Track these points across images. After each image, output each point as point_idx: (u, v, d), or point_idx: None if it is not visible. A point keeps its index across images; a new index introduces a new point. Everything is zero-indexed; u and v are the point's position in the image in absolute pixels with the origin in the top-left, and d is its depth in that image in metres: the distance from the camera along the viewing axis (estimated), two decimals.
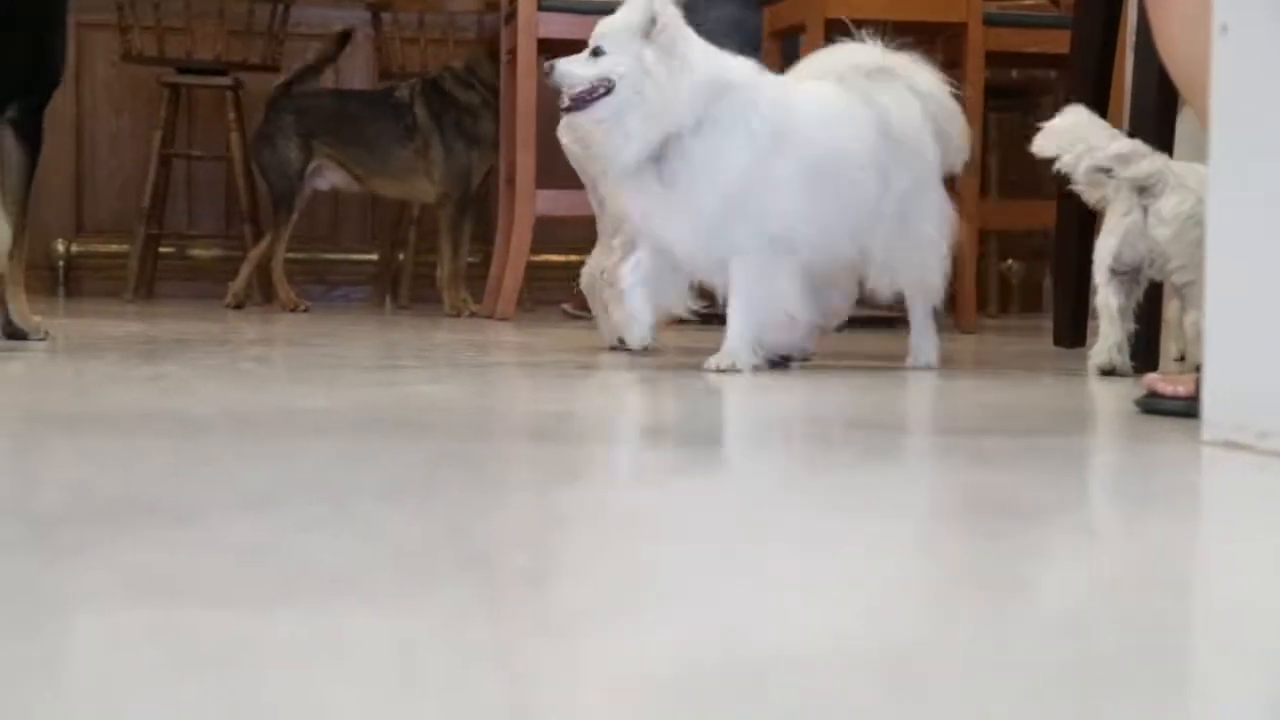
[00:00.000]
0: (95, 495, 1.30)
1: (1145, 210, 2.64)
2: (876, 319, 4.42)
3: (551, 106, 5.39)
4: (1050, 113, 2.93)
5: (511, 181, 4.46)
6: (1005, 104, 5.16)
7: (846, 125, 2.73)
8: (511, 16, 4.38)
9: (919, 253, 2.80)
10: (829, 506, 1.36)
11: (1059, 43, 3.94)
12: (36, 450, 1.61)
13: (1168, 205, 2.62)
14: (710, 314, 2.91)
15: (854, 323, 4.06)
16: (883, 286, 2.82)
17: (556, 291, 5.35)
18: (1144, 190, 2.64)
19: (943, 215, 2.83)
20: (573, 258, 5.99)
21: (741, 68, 2.73)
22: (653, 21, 2.60)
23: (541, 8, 4.32)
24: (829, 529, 1.23)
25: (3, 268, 2.93)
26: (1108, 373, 2.69)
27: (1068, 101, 3.07)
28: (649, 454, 1.73)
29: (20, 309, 2.98)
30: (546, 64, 2.70)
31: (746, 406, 2.30)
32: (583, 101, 2.61)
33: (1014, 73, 4.97)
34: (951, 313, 4.44)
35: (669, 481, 1.50)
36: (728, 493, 1.45)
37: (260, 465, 1.52)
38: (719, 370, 2.59)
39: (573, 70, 2.62)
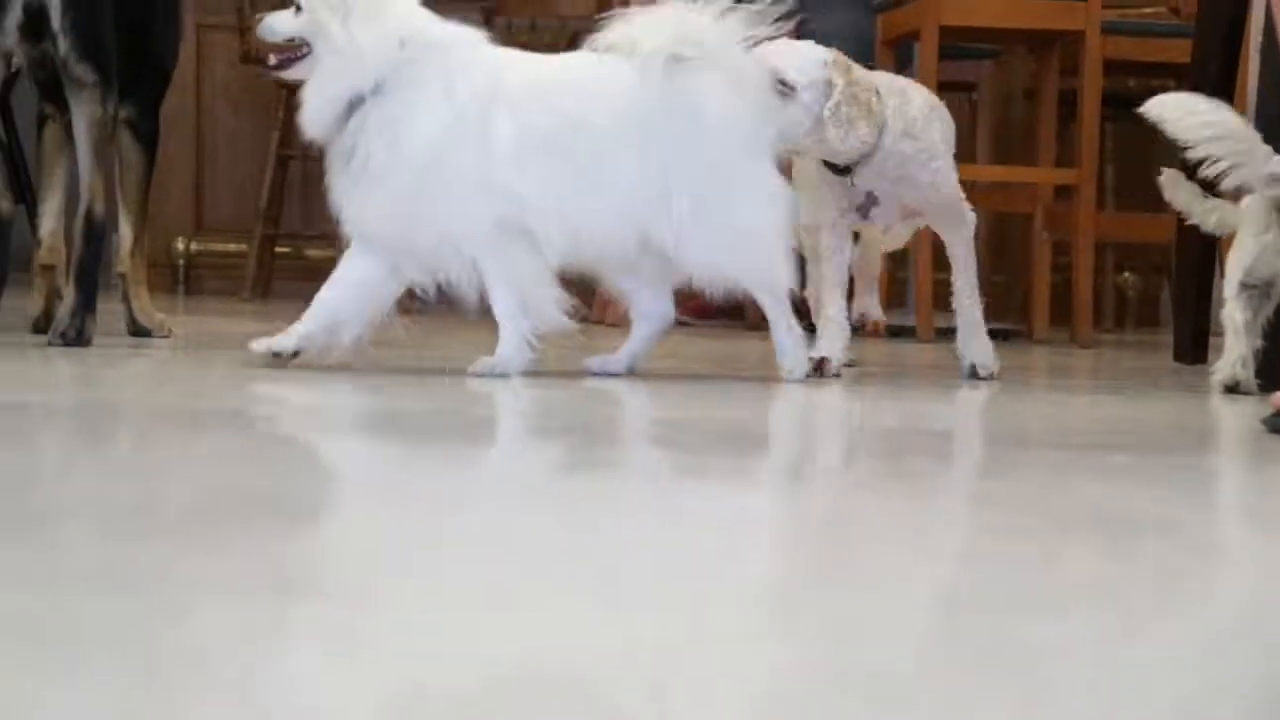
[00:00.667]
0: (226, 490, 1.32)
1: None
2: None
3: None
4: None
5: None
6: (1123, 114, 5.09)
7: (585, 92, 2.37)
8: None
9: (738, 242, 2.40)
10: (955, 519, 1.35)
11: (1179, 52, 3.88)
12: (166, 446, 1.64)
13: None
14: None
15: (897, 332, 4.03)
16: (705, 281, 2.43)
17: None
18: None
19: (769, 199, 2.43)
20: None
21: (451, 27, 2.38)
22: None
23: None
24: (953, 542, 1.22)
25: (125, 266, 2.98)
26: (1231, 389, 2.64)
27: None
28: (753, 460, 1.72)
29: (143, 307, 3.03)
30: (255, 17, 2.46)
31: (838, 415, 2.29)
32: (287, 61, 2.37)
33: (1131, 82, 4.90)
34: (1067, 326, 4.39)
35: (820, 487, 1.49)
36: (826, 503, 1.44)
37: (376, 464, 1.54)
38: (481, 376, 2.33)
39: (274, 25, 2.36)
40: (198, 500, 1.28)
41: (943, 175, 2.69)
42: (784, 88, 2.47)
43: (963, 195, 2.78)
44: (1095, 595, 1.05)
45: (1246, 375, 2.66)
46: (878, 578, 1.07)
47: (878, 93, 2.56)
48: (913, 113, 2.62)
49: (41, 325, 2.90)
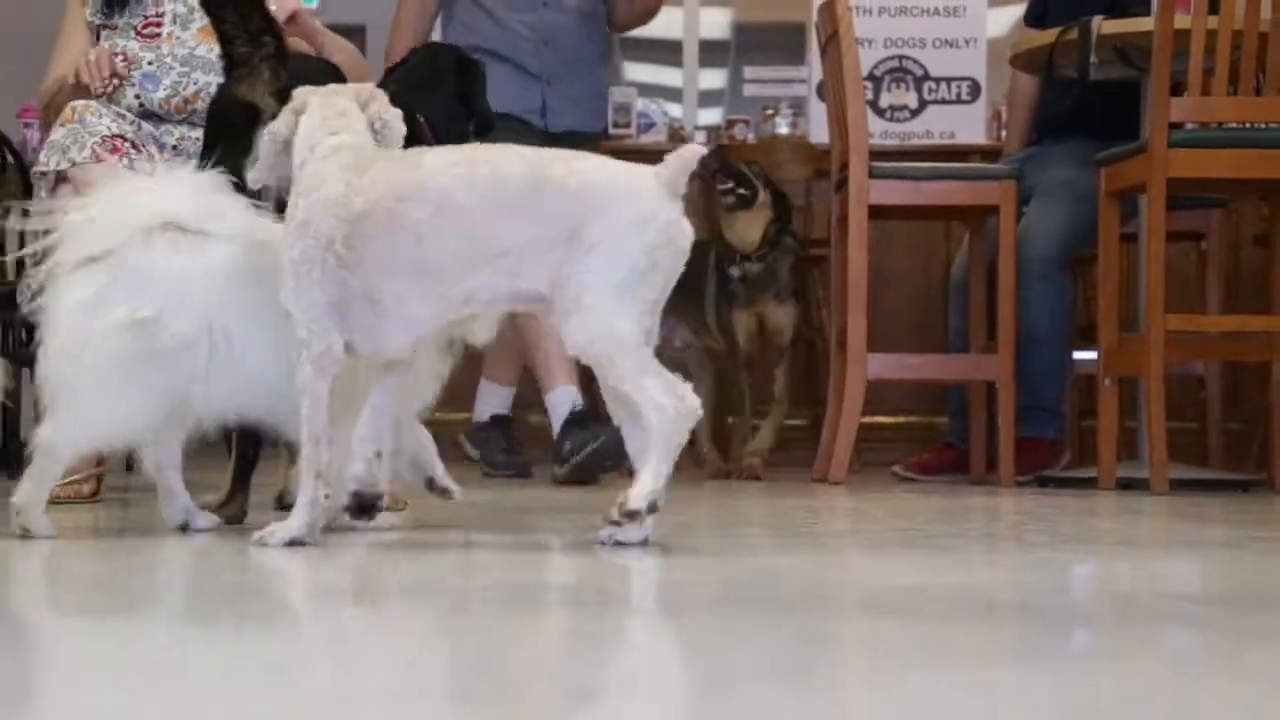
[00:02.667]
0: (485, 673, 1.34)
1: None
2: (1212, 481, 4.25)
3: (883, 270, 5.41)
4: None
5: (843, 346, 4.48)
6: None
7: None
8: (843, 183, 4.43)
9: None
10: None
11: None
12: (422, 623, 1.67)
13: None
14: None
15: (1128, 484, 3.92)
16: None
17: (886, 453, 5.33)
18: None
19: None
20: (900, 419, 5.98)
21: None
22: None
23: (873, 175, 4.36)
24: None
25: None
26: None
27: None
28: (1006, 631, 1.68)
29: None
30: None
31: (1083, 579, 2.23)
32: None
33: None
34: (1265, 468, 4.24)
35: (1065, 663, 1.46)
36: (1145, 678, 1.40)
37: (606, 646, 1.54)
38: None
39: None
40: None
41: None
42: None
43: None
44: None
45: None
46: None
47: None
48: None
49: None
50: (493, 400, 4.97)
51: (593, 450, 4.23)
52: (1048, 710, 1.22)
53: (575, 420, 4.37)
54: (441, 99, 3.40)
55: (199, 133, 3.56)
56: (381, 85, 3.41)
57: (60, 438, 2.45)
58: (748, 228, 4.83)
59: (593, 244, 2.29)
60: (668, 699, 1.24)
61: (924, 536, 2.79)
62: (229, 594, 1.91)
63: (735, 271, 4.84)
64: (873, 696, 1.28)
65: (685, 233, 2.35)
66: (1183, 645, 1.60)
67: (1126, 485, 4.07)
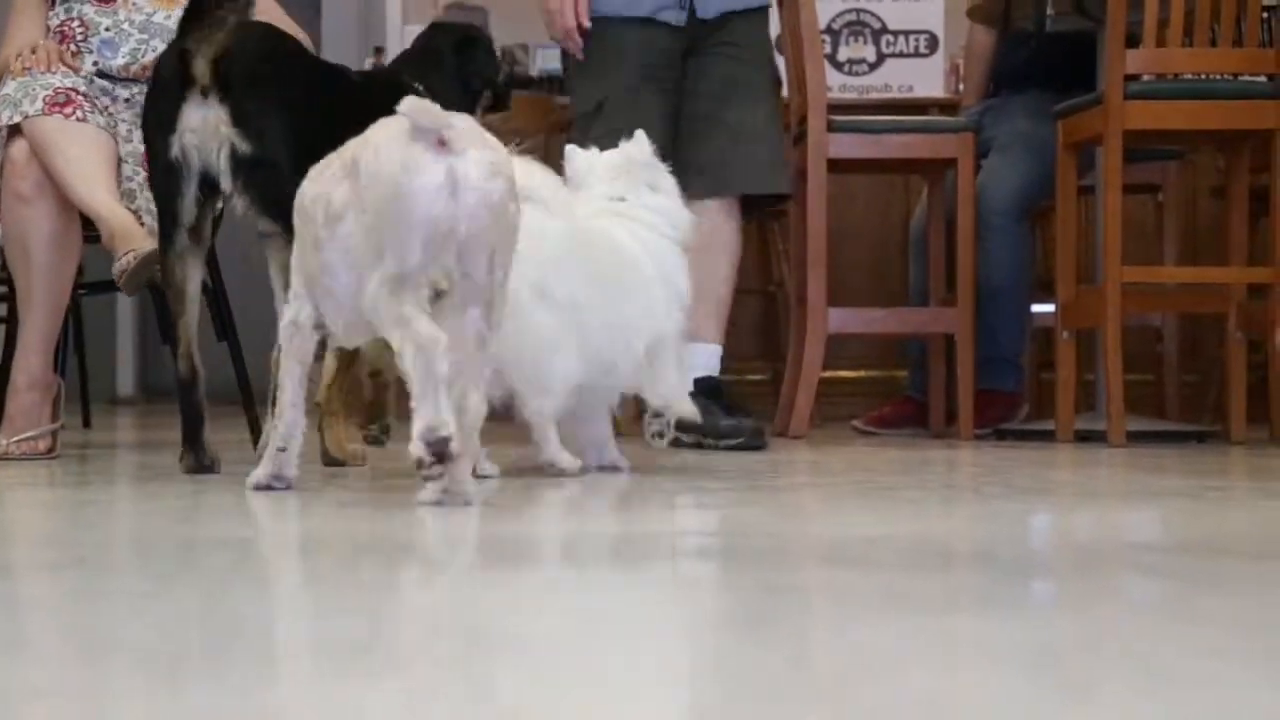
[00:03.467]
0: (444, 627, 1.34)
1: None
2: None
3: (842, 224, 5.42)
4: None
5: (802, 300, 4.48)
6: None
7: None
8: (801, 137, 4.43)
9: None
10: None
11: None
12: (387, 581, 1.67)
13: None
14: None
15: (1086, 436, 3.95)
16: None
17: (846, 407, 5.34)
18: None
19: None
20: (860, 373, 6.00)
21: None
22: None
23: (831, 129, 4.35)
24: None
25: (323, 397, 3.03)
26: None
27: None
28: (974, 579, 1.69)
29: (336, 438, 3.06)
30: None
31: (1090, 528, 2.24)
32: None
33: None
34: (1265, 426, 4.27)
35: (1024, 611, 1.47)
36: (1098, 625, 1.41)
37: (595, 593, 1.54)
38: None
39: None
40: (419, 639, 1.29)
41: None
42: None
43: None
44: None
45: None
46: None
47: None
48: None
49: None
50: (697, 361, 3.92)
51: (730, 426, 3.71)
52: (1005, 656, 1.23)
53: (706, 388, 3.76)
54: (443, 79, 3.43)
55: None
56: (388, 70, 3.44)
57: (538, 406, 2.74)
58: None
59: None
60: (627, 651, 1.24)
61: (882, 489, 2.80)
62: (211, 546, 1.91)
63: None
64: (832, 645, 1.29)
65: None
66: (1140, 593, 1.61)
67: (1084, 437, 4.09)
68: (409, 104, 2.16)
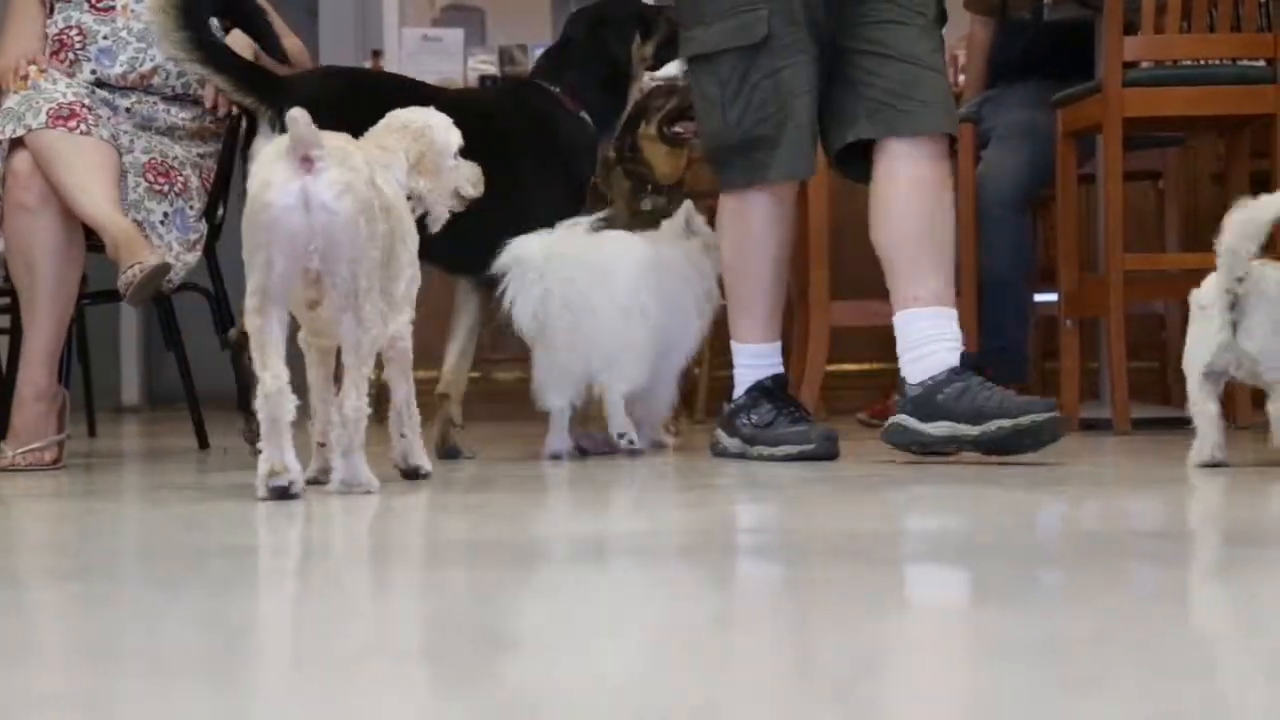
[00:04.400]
0: (457, 628, 1.34)
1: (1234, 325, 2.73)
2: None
3: (840, 221, 5.43)
4: None
5: (805, 295, 4.48)
6: None
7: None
8: None
9: None
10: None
11: None
12: (391, 583, 1.67)
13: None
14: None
15: (1092, 424, 3.95)
16: None
17: (852, 400, 5.34)
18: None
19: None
20: (865, 366, 5.99)
21: None
22: None
23: None
24: None
25: (445, 388, 3.43)
26: None
27: None
28: (973, 572, 1.69)
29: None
30: None
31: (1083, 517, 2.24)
32: None
33: None
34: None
35: (1032, 601, 1.47)
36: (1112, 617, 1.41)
37: (599, 594, 1.54)
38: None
39: None
40: (436, 639, 1.29)
41: None
42: None
43: None
44: None
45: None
46: None
47: None
48: None
49: (439, 451, 3.32)
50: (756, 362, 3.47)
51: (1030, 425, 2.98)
52: (1016, 648, 1.23)
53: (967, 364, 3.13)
54: (580, 69, 3.58)
55: (154, 98, 3.53)
56: (534, 76, 3.62)
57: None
58: (668, 161, 4.83)
59: None
60: (631, 646, 1.24)
61: (889, 482, 2.80)
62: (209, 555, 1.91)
63: (646, 204, 4.79)
64: (839, 639, 1.29)
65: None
66: (1147, 582, 1.61)
67: (1090, 426, 4.09)
68: (294, 114, 2.33)
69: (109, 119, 3.44)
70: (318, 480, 2.57)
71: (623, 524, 2.23)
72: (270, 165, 2.34)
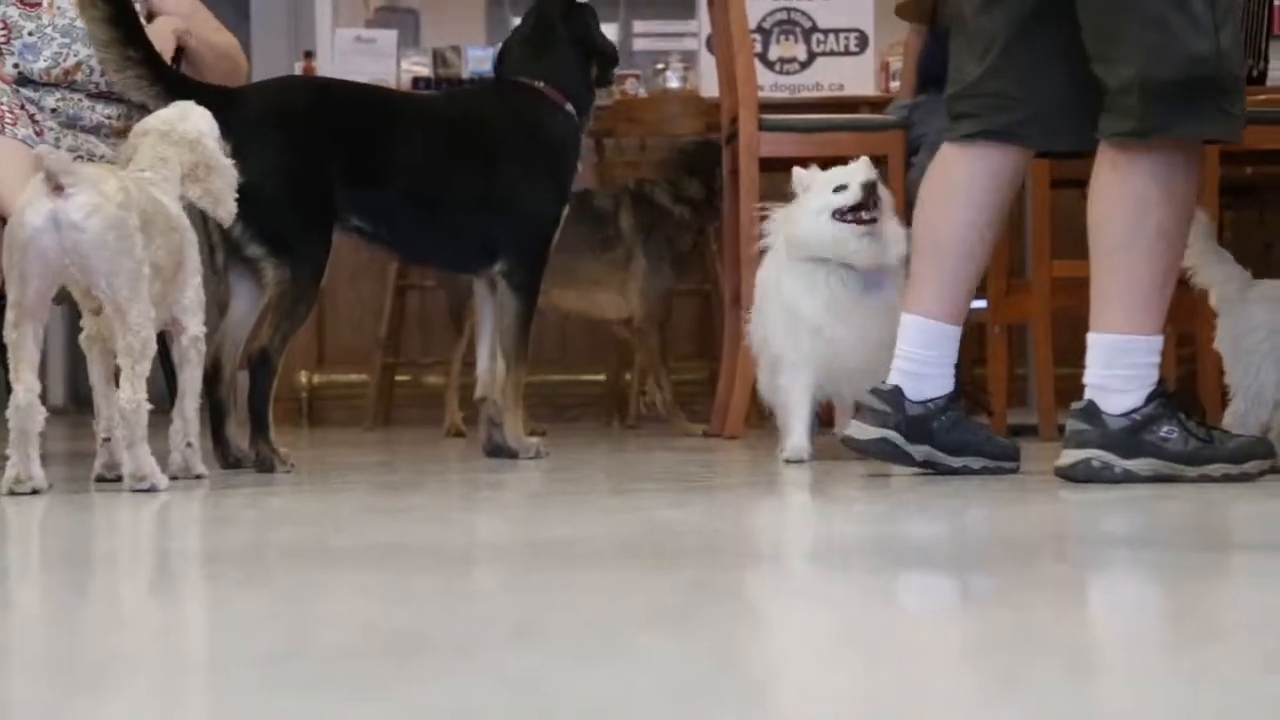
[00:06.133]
0: (374, 631, 1.34)
1: None
2: None
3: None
4: None
5: (736, 300, 4.49)
6: (1241, 202, 5.04)
7: None
8: (733, 137, 4.44)
9: None
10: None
11: None
12: (312, 586, 1.66)
13: None
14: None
15: (1018, 430, 3.98)
16: None
17: None
18: None
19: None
20: None
21: None
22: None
23: (763, 128, 4.36)
24: None
25: (497, 394, 3.48)
26: None
27: None
28: (890, 575, 1.70)
29: (514, 430, 3.47)
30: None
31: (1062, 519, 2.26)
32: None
33: (1248, 170, 4.85)
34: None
35: (956, 604, 1.47)
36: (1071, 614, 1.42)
37: (523, 598, 1.54)
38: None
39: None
40: (349, 642, 1.29)
41: None
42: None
43: None
44: None
45: None
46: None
47: None
48: None
49: (487, 449, 3.52)
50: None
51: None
52: (930, 650, 1.23)
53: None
54: (559, 58, 3.62)
55: (78, 96, 3.49)
56: (499, 63, 3.63)
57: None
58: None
59: None
60: (553, 649, 1.24)
61: (815, 488, 2.81)
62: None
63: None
64: (761, 643, 1.29)
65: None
66: (1065, 585, 1.62)
67: (1016, 431, 4.12)
68: (40, 151, 2.55)
69: (33, 116, 3.40)
70: (104, 477, 2.74)
71: (553, 529, 2.22)
72: (29, 191, 2.53)
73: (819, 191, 3.32)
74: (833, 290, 3.26)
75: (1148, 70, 2.66)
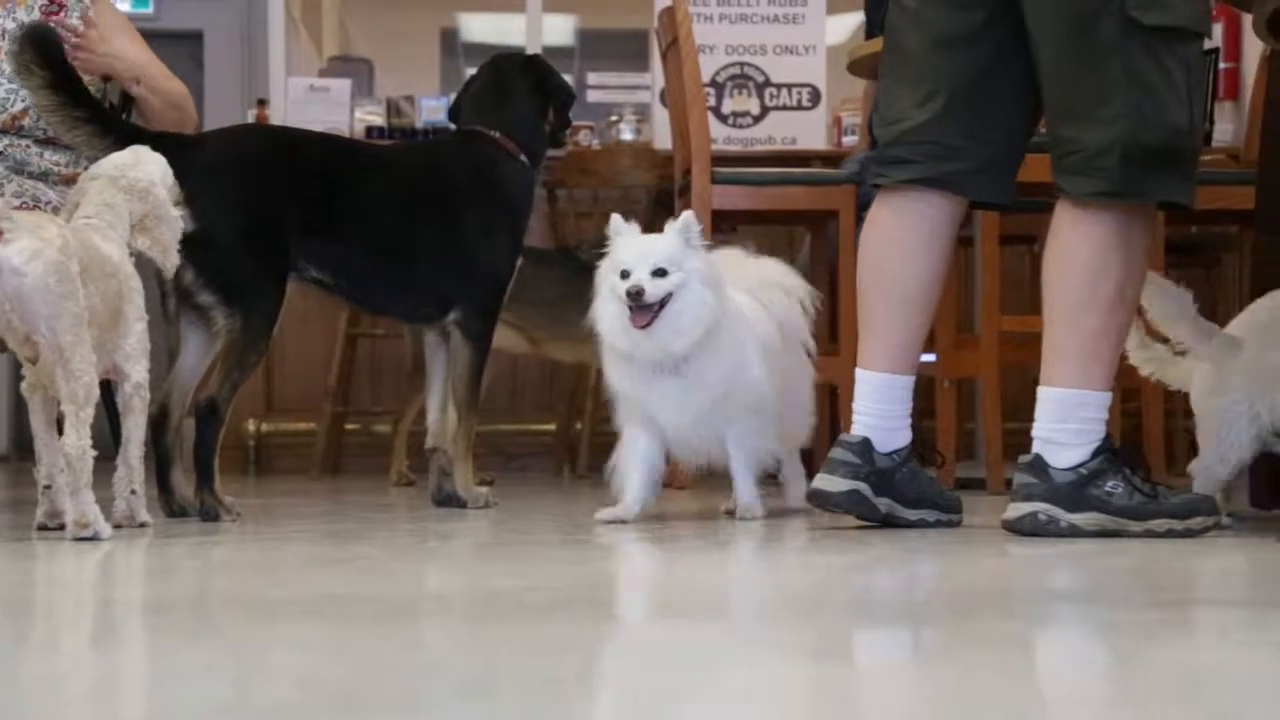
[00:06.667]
0: (315, 685, 1.32)
1: None
2: None
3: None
4: (1234, 270, 2.94)
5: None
6: (1186, 261, 5.10)
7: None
8: (686, 189, 4.46)
9: (794, 408, 3.28)
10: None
11: (1240, 198, 3.89)
12: (255, 638, 1.64)
13: None
14: None
15: (966, 484, 4.00)
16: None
17: None
18: None
19: (809, 376, 3.38)
20: None
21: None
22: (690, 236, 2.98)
23: (715, 181, 4.38)
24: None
25: (447, 444, 3.49)
26: None
27: (1253, 258, 3.04)
28: (845, 627, 1.70)
29: (464, 481, 3.48)
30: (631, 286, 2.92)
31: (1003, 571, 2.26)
32: (653, 319, 2.94)
33: (1194, 229, 4.90)
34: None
35: (895, 659, 1.47)
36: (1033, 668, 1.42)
37: (470, 650, 1.53)
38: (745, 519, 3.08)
39: (651, 291, 2.91)
40: (293, 696, 1.27)
41: None
42: None
43: None
44: None
45: None
46: None
47: None
48: None
49: (436, 499, 3.53)
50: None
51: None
52: (873, 708, 1.23)
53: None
54: (515, 107, 3.66)
55: (25, 143, 3.47)
56: (454, 113, 3.65)
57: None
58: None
59: None
60: (500, 706, 1.23)
61: (764, 540, 2.81)
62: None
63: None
64: (692, 695, 1.29)
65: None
66: (1008, 640, 1.63)
67: (964, 485, 4.13)
68: None
69: None
70: (45, 526, 2.73)
71: (491, 580, 2.21)
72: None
73: (609, 267, 3.00)
74: (639, 367, 3.01)
75: (1134, 135, 2.70)
